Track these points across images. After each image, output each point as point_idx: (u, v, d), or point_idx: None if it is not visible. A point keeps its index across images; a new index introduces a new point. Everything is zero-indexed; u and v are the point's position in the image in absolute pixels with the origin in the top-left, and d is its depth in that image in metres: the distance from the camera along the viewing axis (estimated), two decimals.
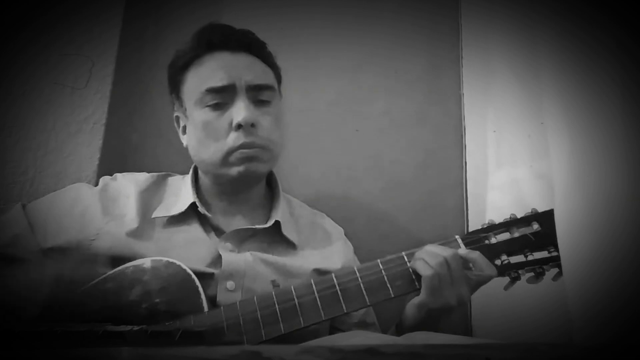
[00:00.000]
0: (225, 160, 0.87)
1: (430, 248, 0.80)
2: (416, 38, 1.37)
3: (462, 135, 1.31)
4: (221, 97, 0.88)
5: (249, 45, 0.93)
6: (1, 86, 1.10)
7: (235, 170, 0.87)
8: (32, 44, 1.12)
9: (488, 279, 0.79)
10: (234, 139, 0.86)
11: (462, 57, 1.34)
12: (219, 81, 0.87)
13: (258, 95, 0.89)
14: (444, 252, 0.78)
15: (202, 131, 0.88)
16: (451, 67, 1.35)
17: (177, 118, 0.97)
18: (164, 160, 1.16)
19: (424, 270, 0.77)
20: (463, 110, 1.32)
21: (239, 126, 0.86)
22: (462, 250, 0.81)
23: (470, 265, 0.79)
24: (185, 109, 0.92)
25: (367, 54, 1.35)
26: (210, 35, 0.92)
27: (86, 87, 1.14)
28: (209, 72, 0.89)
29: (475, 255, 0.79)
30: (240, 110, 0.86)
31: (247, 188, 0.94)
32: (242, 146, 0.86)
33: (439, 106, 1.34)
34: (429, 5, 1.39)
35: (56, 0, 1.15)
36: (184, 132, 0.95)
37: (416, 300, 0.79)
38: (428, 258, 0.77)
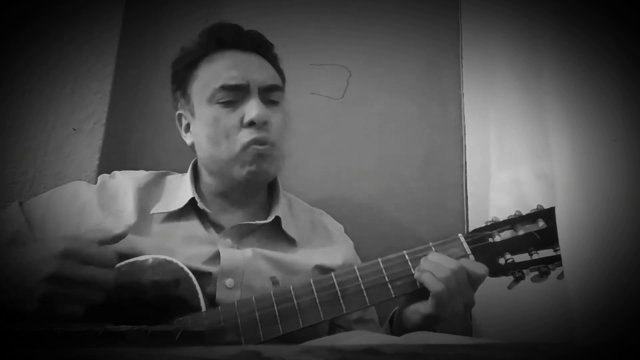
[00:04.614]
0: (238, 157, 0.87)
1: (436, 259, 0.77)
2: (416, 38, 1.37)
3: (462, 135, 1.31)
4: (234, 95, 0.88)
5: (259, 46, 0.94)
6: (1, 86, 1.10)
7: (246, 170, 0.87)
8: (32, 44, 1.12)
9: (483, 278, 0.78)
10: (246, 135, 0.86)
11: (462, 57, 1.34)
12: (233, 79, 0.88)
13: (269, 95, 0.90)
14: (450, 264, 0.76)
15: (212, 127, 0.88)
16: (451, 67, 1.35)
17: (180, 116, 0.96)
18: (164, 160, 1.16)
19: (433, 286, 0.74)
20: (463, 110, 1.32)
21: (251, 123, 0.86)
22: (468, 262, 0.78)
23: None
24: (193, 106, 0.91)
25: (367, 53, 1.35)
26: (220, 34, 0.93)
27: (88, 89, 1.14)
28: (222, 70, 0.89)
29: (483, 271, 0.77)
30: (253, 108, 0.86)
31: (254, 191, 0.94)
32: (254, 141, 0.86)
33: (439, 106, 1.34)
34: (429, 5, 1.39)
35: (56, 0, 1.15)
36: (187, 130, 0.95)
37: (421, 308, 0.77)
38: (436, 272, 0.75)
